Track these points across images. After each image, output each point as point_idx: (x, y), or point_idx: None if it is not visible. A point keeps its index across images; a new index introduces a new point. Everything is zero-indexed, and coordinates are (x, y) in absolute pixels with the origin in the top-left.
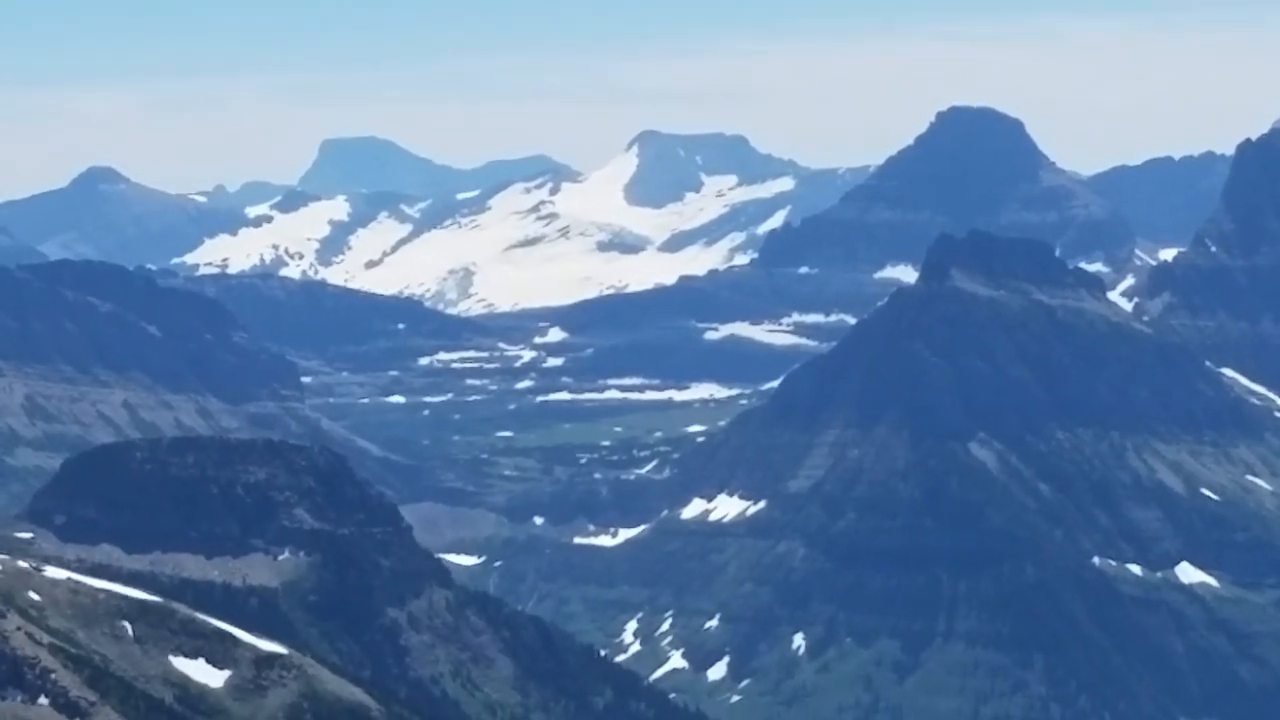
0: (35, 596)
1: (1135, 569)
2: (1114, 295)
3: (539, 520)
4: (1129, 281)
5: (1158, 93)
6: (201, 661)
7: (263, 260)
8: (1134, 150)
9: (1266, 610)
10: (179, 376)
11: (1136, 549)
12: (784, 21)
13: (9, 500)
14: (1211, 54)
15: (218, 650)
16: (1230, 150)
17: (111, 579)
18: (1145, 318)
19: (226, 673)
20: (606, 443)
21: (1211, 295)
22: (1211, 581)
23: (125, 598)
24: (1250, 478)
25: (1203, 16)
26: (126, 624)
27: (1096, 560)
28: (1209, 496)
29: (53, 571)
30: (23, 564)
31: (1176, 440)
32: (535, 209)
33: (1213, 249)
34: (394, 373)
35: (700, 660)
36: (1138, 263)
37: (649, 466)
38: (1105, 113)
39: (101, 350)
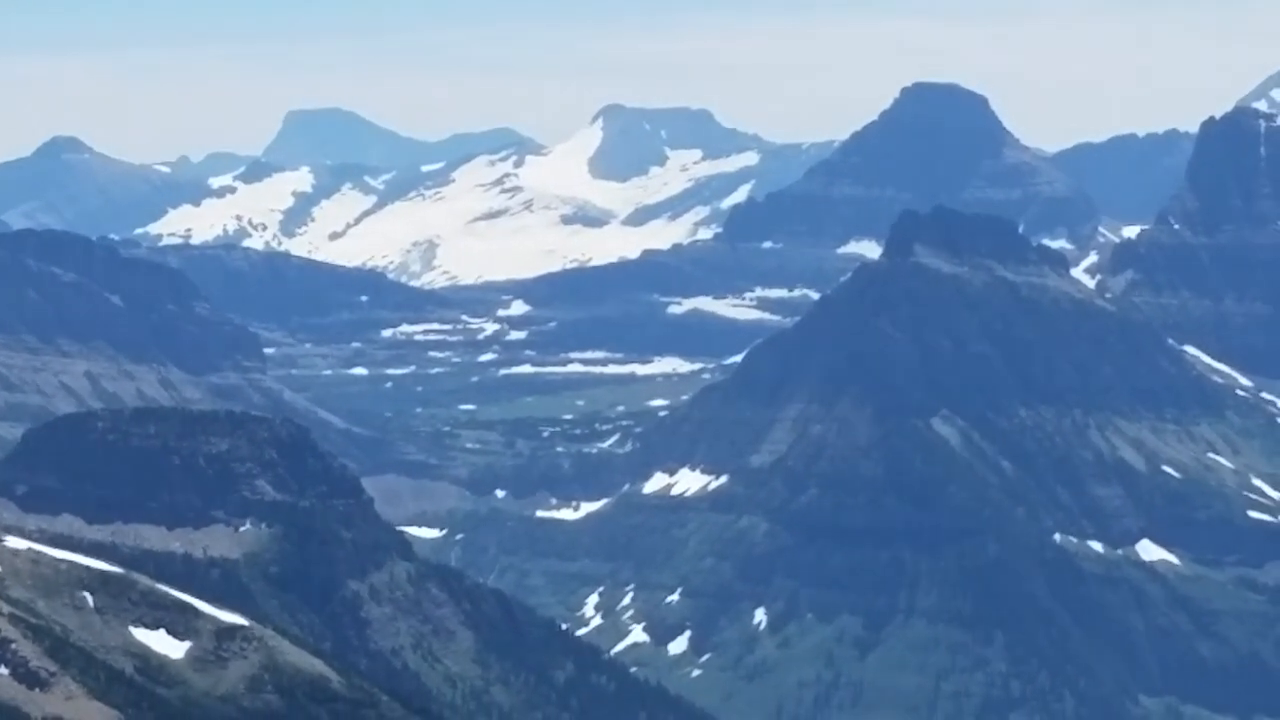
0: None
1: (1096, 546)
2: (1077, 272)
3: (501, 493)
4: (1092, 259)
5: (1122, 70)
6: (162, 633)
7: (226, 231)
8: (1098, 128)
9: (1226, 588)
10: (141, 347)
11: (1098, 526)
12: None
13: None
14: (1176, 32)
15: (178, 621)
16: (1194, 128)
17: (72, 549)
18: (1108, 295)
19: (187, 644)
20: (569, 416)
21: (1174, 273)
22: (1172, 559)
23: (86, 568)
24: (1212, 455)
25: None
26: (87, 594)
27: (1058, 537)
28: (1170, 474)
29: (13, 541)
30: None
31: (1138, 418)
32: (499, 182)
33: (1176, 227)
34: (357, 345)
35: (661, 634)
36: (1101, 240)
37: (611, 440)
38: (1069, 89)
39: (64, 320)
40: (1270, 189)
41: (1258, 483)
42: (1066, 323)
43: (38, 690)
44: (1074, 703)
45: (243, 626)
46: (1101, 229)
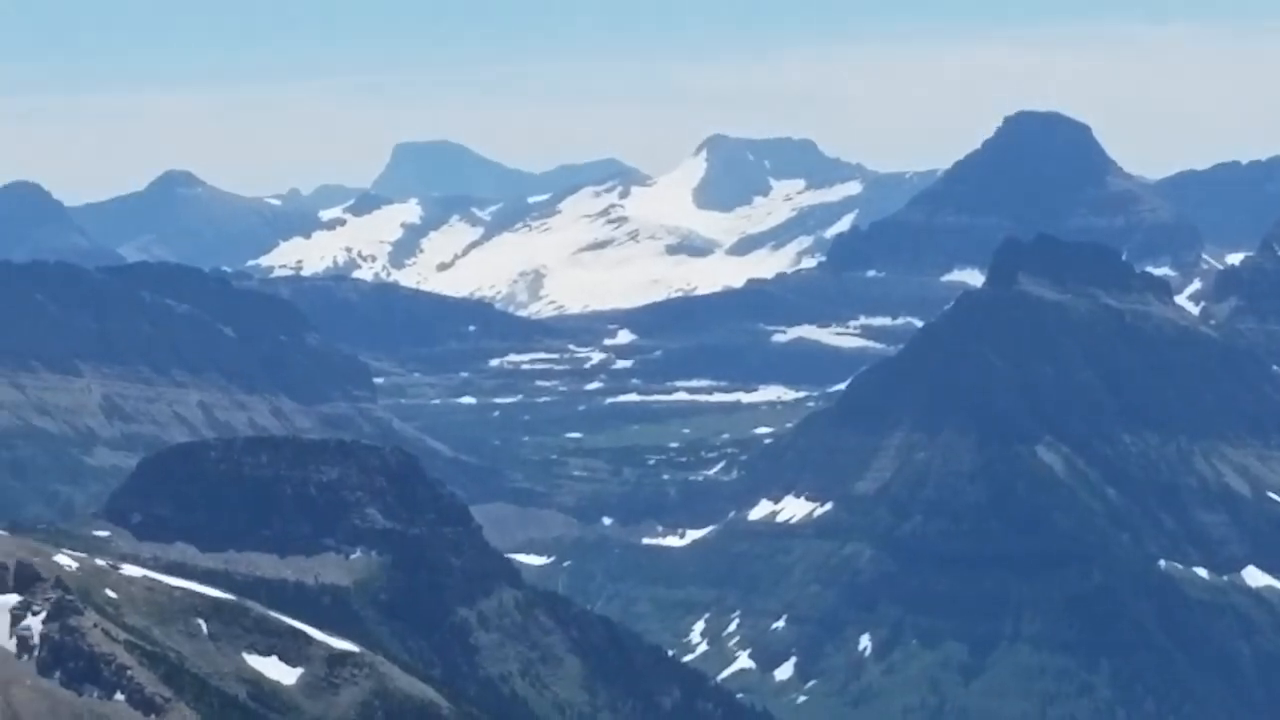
0: (112, 594)
1: (1202, 572)
2: (1181, 299)
3: (607, 521)
4: (1196, 285)
5: (1224, 98)
6: (274, 659)
7: (336, 263)
8: (1201, 155)
9: None
10: (253, 377)
11: (1203, 552)
12: (852, 26)
13: (87, 499)
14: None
15: (290, 648)
16: None
17: (186, 577)
18: (1212, 322)
19: (299, 670)
20: (675, 444)
21: (1279, 299)
22: (1278, 585)
23: (200, 595)
24: None
25: (1268, 24)
26: (201, 621)
27: (1163, 564)
28: (1275, 500)
29: (129, 569)
30: (100, 562)
31: (1243, 444)
32: (605, 212)
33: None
34: (465, 374)
35: (767, 661)
36: (1204, 267)
37: (717, 468)
38: (1172, 118)
39: (178, 351)
40: None
41: None
42: (1170, 350)
43: (153, 717)
44: None
45: (354, 653)
46: (1205, 256)
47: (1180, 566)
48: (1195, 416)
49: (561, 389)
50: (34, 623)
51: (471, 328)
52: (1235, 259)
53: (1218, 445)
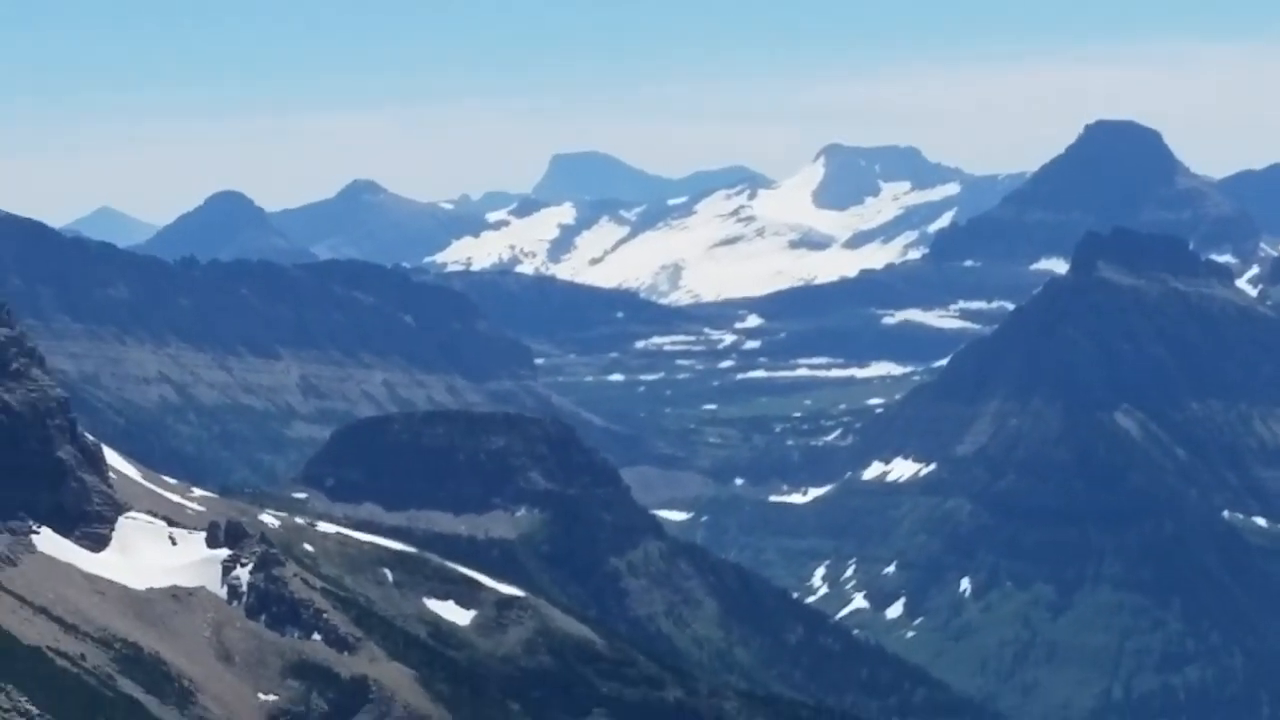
0: (309, 548)
1: (1261, 521)
2: (1241, 283)
3: (739, 481)
4: (1254, 271)
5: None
6: (451, 603)
7: (501, 259)
8: (1259, 156)
9: None
10: (430, 359)
11: (1262, 504)
12: (950, 46)
13: (287, 466)
14: None
15: (464, 593)
16: None
17: (374, 533)
18: (1269, 302)
19: (472, 612)
20: (797, 414)
21: None
22: None
23: (385, 548)
24: None
25: None
26: (386, 571)
27: (1226, 514)
28: None
29: (324, 526)
30: (299, 520)
31: None
32: (735, 212)
33: None
34: (614, 354)
35: (879, 601)
36: (1262, 255)
37: (834, 434)
38: (1232, 123)
39: (364, 337)
40: None
41: None
42: (1231, 327)
43: (346, 653)
44: (1242, 658)
45: (519, 597)
46: (1263, 244)
47: (1241, 516)
48: (1254, 385)
49: (698, 367)
50: (242, 573)
51: (619, 314)
52: None
53: (1274, 409)
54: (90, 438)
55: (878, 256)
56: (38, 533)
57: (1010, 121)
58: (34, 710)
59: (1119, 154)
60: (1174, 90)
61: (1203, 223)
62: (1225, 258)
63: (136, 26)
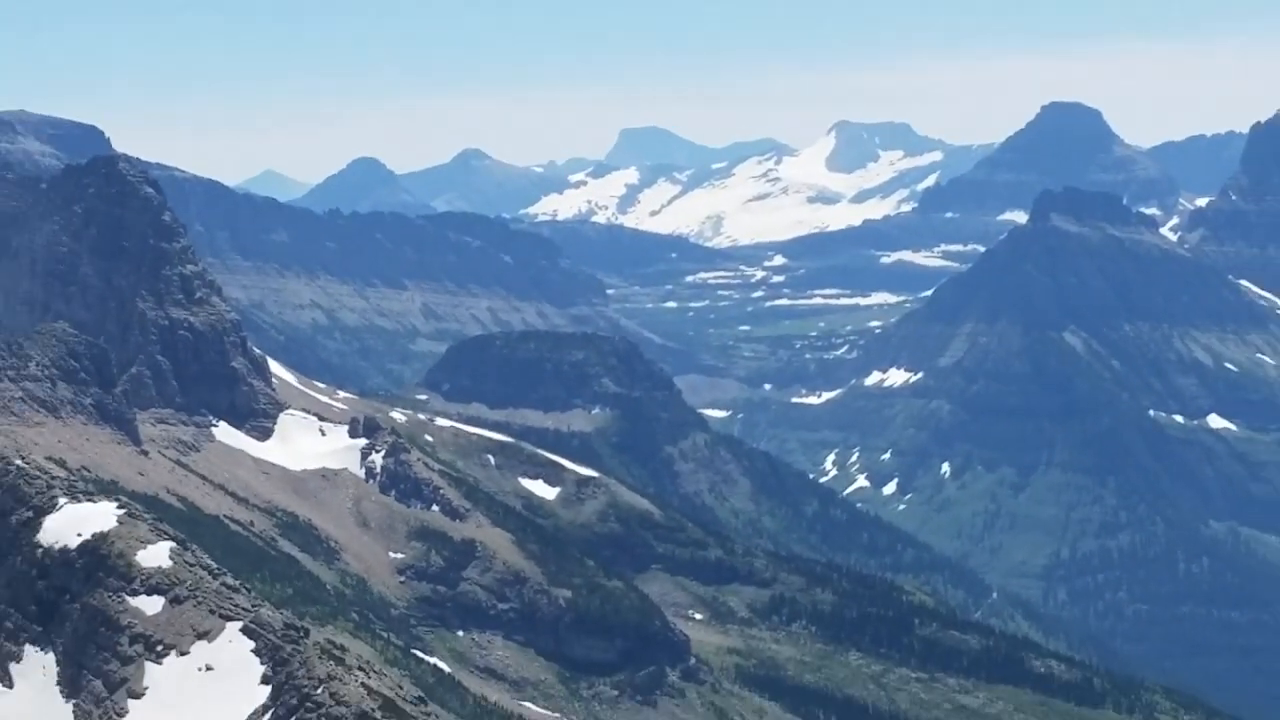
0: (429, 438)
1: (1179, 418)
2: (1164, 231)
3: (767, 386)
4: (1174, 221)
5: (1195, 89)
6: (540, 481)
7: (579, 211)
8: (1179, 130)
9: (1270, 447)
10: (524, 290)
11: (1180, 404)
12: (936, 42)
13: (412, 374)
14: (1232, 60)
15: (551, 474)
16: (1246, 129)
17: (480, 426)
18: (1186, 246)
19: (557, 489)
20: (813, 333)
21: (1232, 230)
22: (1232, 427)
23: (489, 438)
24: (1259, 355)
25: (1230, 38)
26: (489, 456)
27: (1151, 413)
28: (1229, 368)
29: (440, 421)
30: (421, 416)
31: (1207, 330)
32: (765, 175)
33: (1233, 197)
34: (669, 286)
35: (878, 481)
36: (1180, 208)
37: (842, 349)
38: (1157, 104)
39: (472, 273)
40: None
41: None
42: (1156, 265)
43: (458, 521)
44: (1163, 525)
45: (594, 477)
46: (1181, 200)
47: (1164, 415)
48: (1174, 311)
49: (734, 296)
50: (376, 458)
51: (673, 255)
52: (1202, 202)
53: (1189, 331)
54: (257, 351)
55: (877, 209)
56: (216, 426)
57: (983, 102)
58: (214, 565)
59: (1068, 128)
60: (1112, 77)
61: (1134, 183)
62: (1152, 210)
63: (293, 22)
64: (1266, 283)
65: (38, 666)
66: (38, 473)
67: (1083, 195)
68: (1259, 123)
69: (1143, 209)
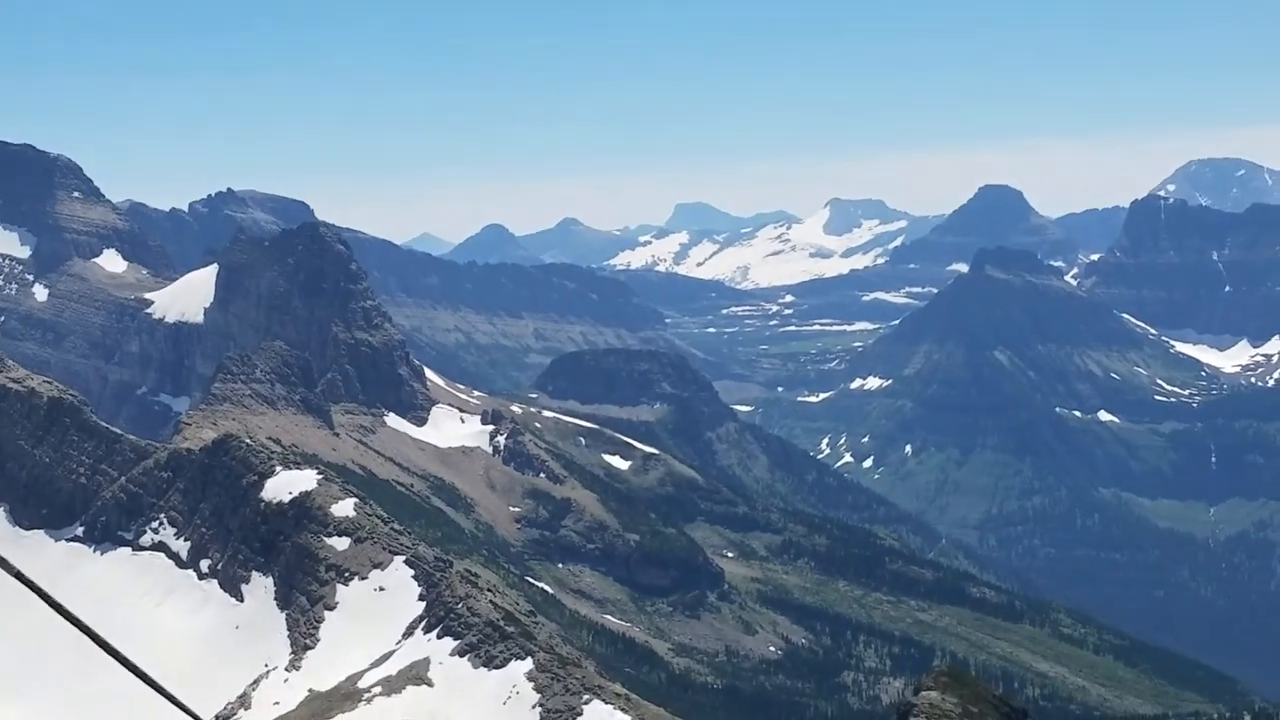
0: (538, 425)
1: (1077, 414)
2: (1068, 278)
3: (780, 389)
4: (1075, 271)
5: (1090, 174)
6: (617, 457)
7: (646, 262)
8: (1078, 204)
9: (1143, 434)
10: (606, 319)
11: (1078, 404)
12: (900, 141)
13: (526, 379)
14: (1117, 153)
15: (624, 451)
16: (1127, 204)
17: (574, 417)
18: (1082, 289)
19: (629, 462)
20: (813, 351)
21: (1117, 278)
22: (1116, 420)
23: (580, 425)
24: (1135, 368)
25: (1116, 136)
26: (581, 438)
27: (1058, 410)
28: (1114, 377)
29: (546, 413)
30: (532, 409)
31: (1097, 349)
32: (779, 236)
33: (1118, 254)
34: (709, 317)
35: (859, 457)
36: (1080, 262)
37: (834, 362)
38: (1063, 185)
39: (570, 306)
40: (1168, 235)
41: (1160, 382)
42: (1061, 303)
43: (558, 484)
44: (1065, 492)
45: (655, 454)
46: (1080, 255)
47: (1066, 411)
48: (1074, 336)
49: (757, 324)
50: (500, 439)
51: (713, 294)
52: (1095, 257)
53: (1085, 350)
54: (416, 362)
55: (860, 262)
56: (387, 416)
57: (937, 184)
58: (385, 515)
59: (998, 203)
60: (1030, 165)
61: (1045, 243)
62: (1058, 263)
63: (446, 127)
64: (1141, 316)
65: (260, 587)
66: (261, 448)
67: (1008, 252)
68: (1136, 200)
69: (1051, 262)
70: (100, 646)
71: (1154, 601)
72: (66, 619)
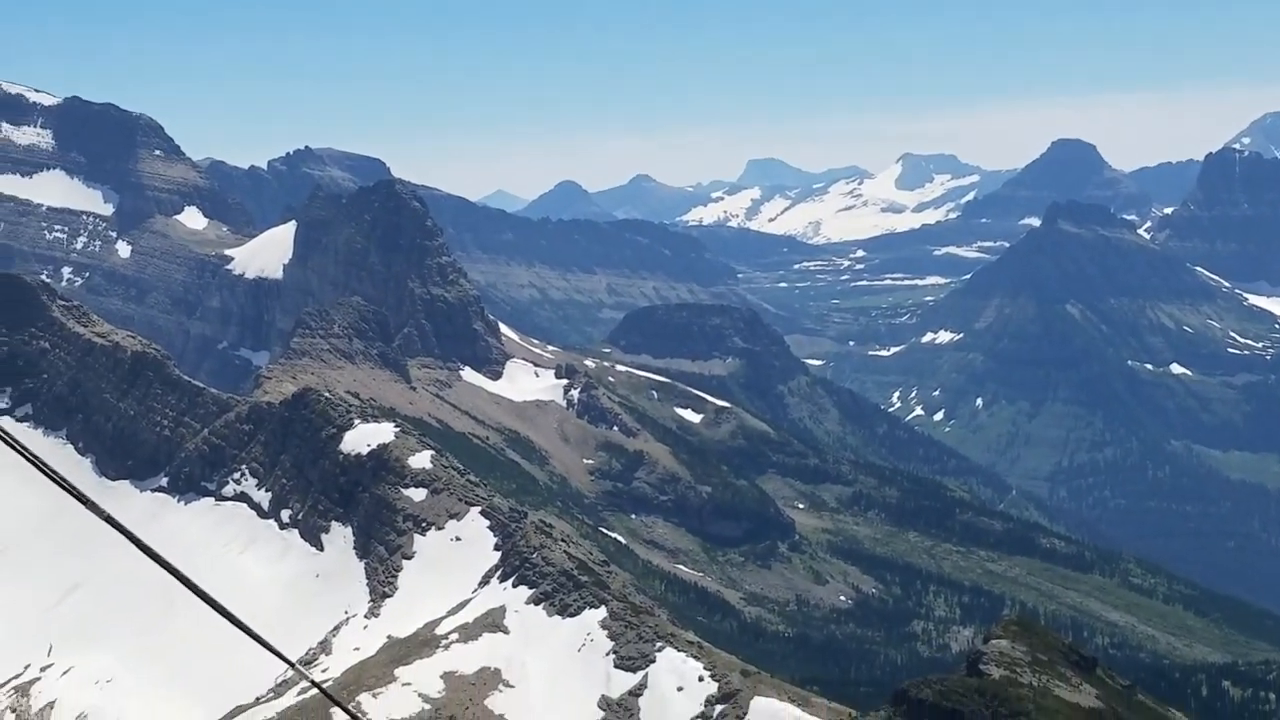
0: (611, 379)
1: (1149, 366)
2: (1140, 232)
3: (851, 343)
4: (1148, 225)
5: (1164, 128)
6: (689, 410)
7: (718, 218)
8: (1152, 157)
9: (1215, 387)
10: (678, 273)
11: (1149, 357)
12: (974, 93)
13: (599, 334)
14: (1191, 106)
15: (697, 404)
16: (1201, 157)
17: (647, 370)
18: (1155, 243)
19: (701, 415)
20: (884, 304)
21: (1190, 231)
22: (1188, 372)
23: (653, 379)
24: (1208, 320)
25: (1189, 89)
26: (653, 391)
27: (1130, 363)
28: (1186, 330)
29: (619, 366)
30: (605, 363)
31: (1170, 303)
32: (850, 192)
33: (1191, 207)
34: (781, 271)
35: (930, 410)
36: (1153, 215)
37: (905, 316)
38: (1137, 139)
39: (642, 262)
40: (1243, 189)
41: (1233, 334)
42: (1134, 256)
43: (630, 437)
44: (1136, 444)
45: (727, 407)
46: (1153, 209)
47: (1138, 364)
48: (1146, 289)
49: (828, 279)
50: (574, 393)
51: (785, 249)
52: (1168, 211)
53: (1157, 303)
54: (491, 317)
55: (932, 216)
56: (463, 370)
57: (1009, 138)
58: (461, 467)
59: (1071, 158)
60: (1104, 119)
61: (1118, 197)
62: (1131, 217)
63: (524, 80)
64: (1214, 269)
65: (340, 536)
66: (340, 402)
67: (1081, 206)
68: (1210, 153)
69: (1124, 216)
70: (190, 589)
71: (1225, 552)
72: (156, 562)
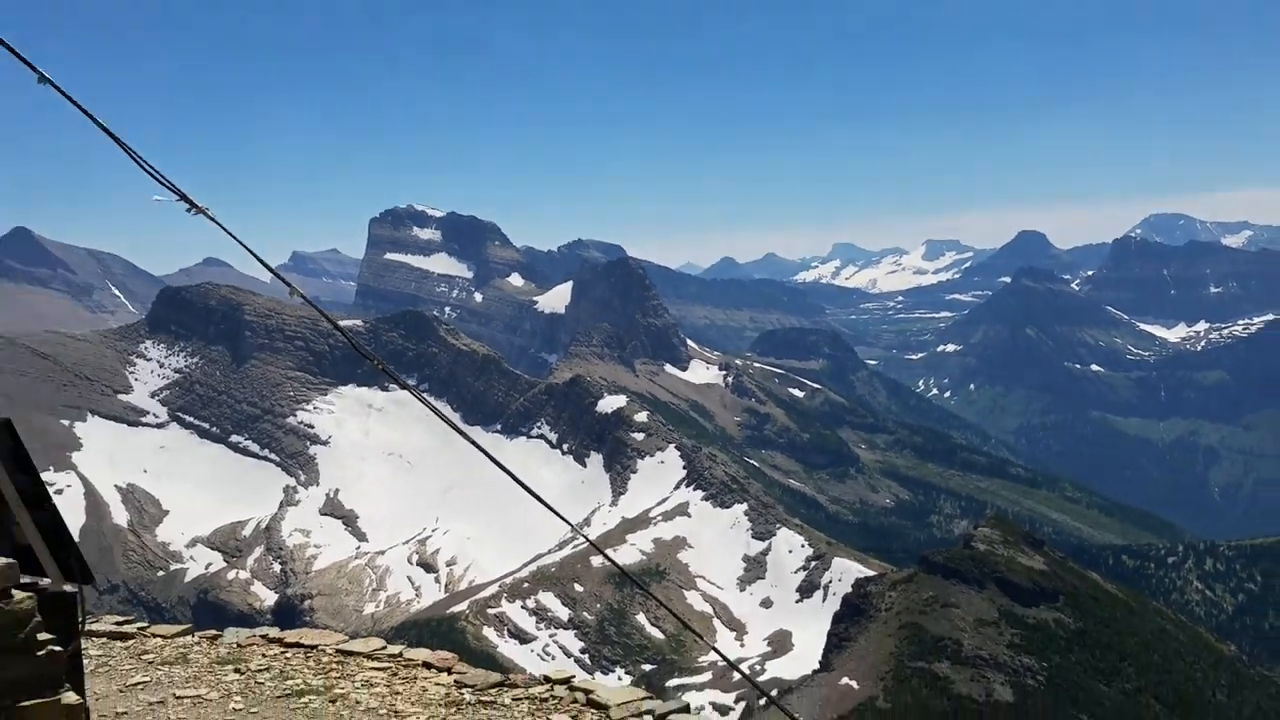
0: (751, 371)
1: (1079, 366)
2: (1073, 285)
3: (894, 351)
4: (1077, 281)
5: (1091, 223)
6: (796, 389)
7: (819, 276)
8: (1082, 240)
9: (1121, 380)
10: (782, 310)
11: (1079, 360)
12: (970, 202)
13: (745, 345)
14: (1107, 212)
15: (800, 386)
16: (1110, 240)
17: (771, 366)
18: (1082, 293)
19: (804, 392)
20: (914, 329)
21: (1105, 286)
22: (1104, 371)
23: (775, 371)
24: (1115, 339)
25: (1108, 200)
26: (775, 379)
27: (1066, 364)
28: (1102, 345)
29: (755, 364)
30: (747, 362)
31: (1093, 329)
32: (895, 262)
33: (1105, 271)
34: (851, 309)
35: (943, 391)
36: (1081, 276)
37: (927, 335)
38: (1071, 228)
39: (747, 302)
40: (1136, 260)
41: (1130, 348)
42: (1070, 300)
43: (761, 405)
44: (1070, 414)
45: (819, 388)
46: (1081, 272)
47: (1072, 364)
48: (1077, 320)
49: (881, 314)
50: (728, 378)
51: (854, 297)
52: (1090, 273)
53: (1084, 329)
54: (682, 334)
55: (944, 276)
56: (666, 365)
57: (992, 228)
58: (664, 421)
59: (1030, 241)
60: (1052, 217)
61: (1059, 264)
62: (1066, 276)
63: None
64: (1119, 308)
65: (596, 461)
66: (597, 382)
67: (1036, 270)
68: (1116, 238)
69: (1063, 276)
70: (516, 482)
71: (1124, 478)
72: (499, 466)
